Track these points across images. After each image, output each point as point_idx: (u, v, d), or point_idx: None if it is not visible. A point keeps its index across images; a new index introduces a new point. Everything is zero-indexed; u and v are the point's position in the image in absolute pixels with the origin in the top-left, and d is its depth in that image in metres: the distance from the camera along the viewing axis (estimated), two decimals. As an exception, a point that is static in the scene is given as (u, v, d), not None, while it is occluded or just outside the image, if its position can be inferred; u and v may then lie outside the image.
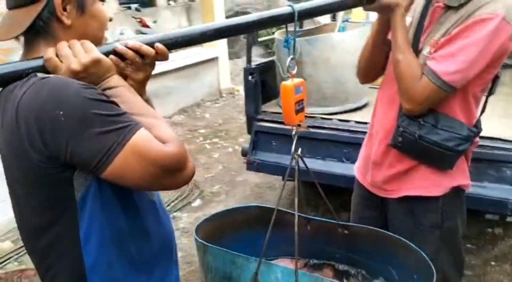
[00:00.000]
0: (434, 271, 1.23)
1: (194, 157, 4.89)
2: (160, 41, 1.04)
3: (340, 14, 3.63)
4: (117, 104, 0.94)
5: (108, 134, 0.88)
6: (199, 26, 1.15)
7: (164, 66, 6.14)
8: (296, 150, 1.42)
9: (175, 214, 3.72)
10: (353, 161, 2.04)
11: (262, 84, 3.19)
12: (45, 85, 0.89)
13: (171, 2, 16.88)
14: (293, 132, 1.38)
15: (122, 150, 0.88)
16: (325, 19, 4.85)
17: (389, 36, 1.59)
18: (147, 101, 1.11)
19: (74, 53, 0.94)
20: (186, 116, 6.35)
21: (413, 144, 1.51)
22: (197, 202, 3.93)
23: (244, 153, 3.32)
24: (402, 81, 1.49)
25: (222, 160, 4.79)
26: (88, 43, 0.96)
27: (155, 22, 9.62)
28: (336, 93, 3.07)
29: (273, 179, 4.10)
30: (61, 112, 0.86)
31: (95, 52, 0.95)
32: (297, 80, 1.31)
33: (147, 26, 8.43)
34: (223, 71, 7.18)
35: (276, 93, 3.35)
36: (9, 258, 3.01)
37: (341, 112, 3.11)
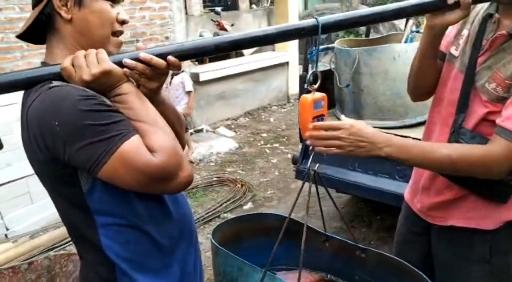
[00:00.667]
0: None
1: (252, 160, 4.94)
2: (173, 53, 1.06)
3: (409, 24, 3.46)
4: (118, 111, 0.99)
5: (98, 143, 0.94)
6: (214, 38, 1.15)
7: (234, 70, 6.28)
8: (312, 165, 1.37)
9: (225, 215, 3.78)
10: (406, 180, 1.94)
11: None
12: (48, 95, 0.97)
13: (253, 6, 17.25)
14: (310, 147, 1.33)
15: (110, 158, 0.94)
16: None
17: (441, 47, 1.47)
18: (164, 105, 1.16)
19: (87, 63, 0.99)
20: (251, 119, 6.42)
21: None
22: (249, 205, 3.96)
23: (294, 161, 3.29)
24: (475, 172, 1.32)
25: (279, 166, 4.78)
26: (102, 54, 1.01)
27: (232, 25, 9.86)
28: (394, 106, 2.93)
29: (326, 190, 4.01)
30: (57, 123, 0.94)
31: (106, 64, 1.00)
32: (318, 95, 1.27)
33: (225, 29, 8.66)
34: (293, 76, 7.16)
35: (332, 102, 3.28)
36: (65, 243, 3.24)
37: (398, 127, 2.96)
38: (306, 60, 3.18)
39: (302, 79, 3.14)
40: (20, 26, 1.12)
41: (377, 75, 2.88)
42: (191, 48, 1.10)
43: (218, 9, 10.64)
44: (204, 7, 13.66)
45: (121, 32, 1.11)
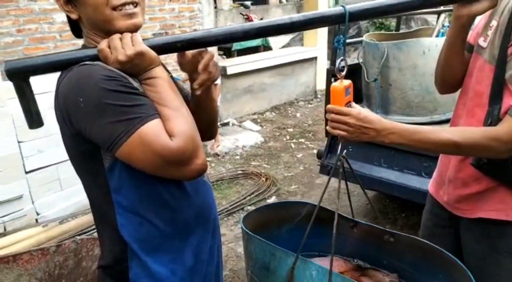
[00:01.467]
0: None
1: (277, 155, 4.94)
2: (201, 38, 1.11)
3: (441, 18, 3.38)
4: (143, 95, 1.03)
5: (118, 123, 0.97)
6: (241, 24, 1.15)
7: (262, 63, 6.28)
8: (342, 152, 1.38)
9: (249, 207, 3.79)
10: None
11: (345, 87, 3.10)
12: (76, 73, 1.02)
13: (283, 1, 17.14)
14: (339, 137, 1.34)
15: (129, 138, 0.97)
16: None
17: (469, 39, 1.44)
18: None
19: (123, 45, 1.03)
20: (277, 113, 6.42)
21: (500, 167, 1.37)
22: (272, 199, 3.97)
23: (319, 156, 3.27)
24: (479, 151, 1.35)
25: (304, 161, 4.77)
26: (136, 37, 1.04)
27: (261, 19, 9.84)
28: (423, 102, 2.87)
29: (352, 185, 3.98)
30: (81, 99, 0.98)
31: (141, 46, 1.03)
32: (346, 82, 1.27)
33: (253, 23, 8.63)
34: (321, 71, 7.10)
35: (360, 97, 3.24)
36: (93, 229, 3.33)
37: (427, 123, 2.90)
38: (333, 54, 3.15)
39: (329, 72, 3.11)
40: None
41: (406, 70, 2.83)
42: (219, 34, 1.11)
43: (248, 3, 10.67)
44: (234, 1, 13.72)
45: (126, 3, 1.06)
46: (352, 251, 1.64)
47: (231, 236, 3.40)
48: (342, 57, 1.27)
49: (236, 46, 7.01)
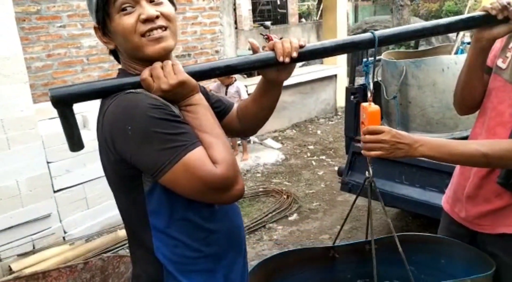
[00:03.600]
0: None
1: (298, 172, 4.96)
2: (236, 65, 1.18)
3: (460, 35, 3.39)
4: (185, 123, 1.06)
5: (164, 151, 1.01)
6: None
7: (282, 82, 6.34)
8: (371, 173, 1.42)
9: (270, 225, 3.81)
10: (455, 193, 1.93)
11: (364, 105, 3.13)
12: (122, 101, 1.05)
13: (303, 20, 17.29)
14: (369, 159, 1.40)
15: (174, 166, 1.01)
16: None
17: (488, 62, 1.48)
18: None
19: (165, 74, 1.07)
20: (298, 131, 6.45)
21: None
22: (294, 216, 3.98)
23: (340, 173, 3.29)
24: (507, 163, 1.37)
25: (325, 178, 4.77)
26: (178, 66, 1.09)
27: (281, 38, 9.95)
28: (444, 119, 2.88)
29: (374, 203, 3.96)
30: (129, 127, 1.01)
31: (183, 75, 1.08)
32: (373, 104, 1.31)
33: (273, 42, 8.75)
34: (341, 89, 7.14)
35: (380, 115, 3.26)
36: (118, 247, 3.40)
37: (448, 140, 2.90)
38: (352, 72, 3.19)
39: (349, 91, 3.15)
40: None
41: (425, 87, 2.85)
42: (255, 60, 1.17)
43: (268, 23, 10.82)
44: (254, 21, 13.95)
45: (153, 28, 1.07)
46: (349, 275, 1.63)
47: (253, 253, 3.41)
48: (370, 81, 1.32)
49: (257, 65, 7.11)
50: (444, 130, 2.92)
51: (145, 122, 1.00)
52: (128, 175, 1.08)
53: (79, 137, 1.14)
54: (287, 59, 1.15)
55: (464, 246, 1.37)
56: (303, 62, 8.04)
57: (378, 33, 1.24)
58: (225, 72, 1.20)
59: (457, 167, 1.70)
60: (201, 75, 1.15)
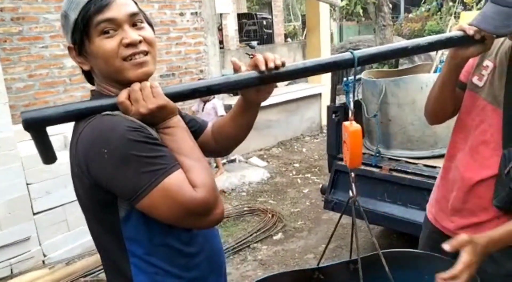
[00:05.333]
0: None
1: (283, 190, 4.95)
2: (215, 85, 1.15)
3: (439, 54, 3.46)
4: (163, 145, 1.04)
5: (143, 175, 0.98)
6: (255, 72, 1.16)
7: (267, 101, 6.33)
8: (355, 192, 1.41)
9: (255, 245, 3.78)
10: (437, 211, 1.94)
11: (346, 123, 3.15)
12: (99, 124, 1.03)
13: (289, 39, 17.50)
14: (353, 175, 1.37)
15: (152, 190, 0.98)
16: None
17: (460, 77, 1.51)
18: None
19: (144, 97, 1.05)
20: (283, 149, 6.46)
21: None
22: (279, 236, 3.95)
23: (323, 191, 3.29)
24: None
25: (310, 196, 4.76)
26: (157, 90, 1.06)
27: (266, 57, 10.04)
28: (424, 136, 2.90)
29: (359, 221, 3.96)
30: (106, 150, 0.98)
31: (162, 98, 1.06)
32: (355, 123, 1.31)
33: (258, 62, 8.82)
34: (326, 107, 7.20)
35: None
36: (98, 270, 3.33)
37: (428, 157, 2.93)
38: (333, 91, 3.22)
39: (330, 109, 3.17)
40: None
41: (405, 105, 2.88)
42: (236, 81, 1.15)
43: (254, 43, 10.91)
44: (241, 41, 14.07)
45: (135, 53, 1.06)
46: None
47: (237, 275, 3.37)
48: (350, 100, 1.33)
49: (242, 84, 7.14)
50: (424, 148, 2.95)
51: (123, 145, 0.98)
52: (103, 200, 1.05)
53: (52, 152, 1.12)
54: (271, 64, 1.11)
55: (448, 261, 1.37)
56: (289, 81, 8.11)
57: (358, 52, 1.24)
58: (206, 93, 1.18)
59: (438, 179, 1.73)
60: (181, 96, 1.13)
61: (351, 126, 1.29)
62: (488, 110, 1.45)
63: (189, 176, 1.02)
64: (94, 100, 1.09)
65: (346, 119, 1.37)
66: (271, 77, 1.16)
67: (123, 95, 1.05)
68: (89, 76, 1.18)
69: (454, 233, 1.57)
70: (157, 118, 1.07)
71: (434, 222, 1.68)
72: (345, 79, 3.10)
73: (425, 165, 2.86)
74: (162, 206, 0.99)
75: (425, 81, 2.87)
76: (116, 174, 0.99)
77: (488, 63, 1.48)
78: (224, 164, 5.49)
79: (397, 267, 1.51)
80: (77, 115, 1.07)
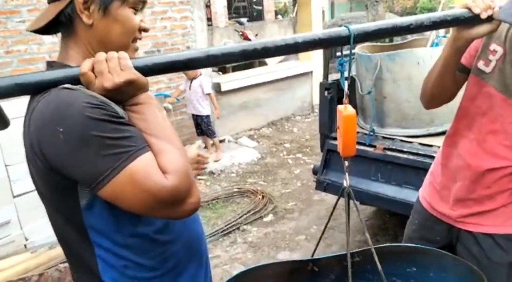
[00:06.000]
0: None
1: (274, 171, 4.84)
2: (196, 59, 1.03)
3: (435, 29, 3.32)
4: (131, 125, 0.92)
5: (105, 158, 0.86)
6: (239, 45, 1.05)
7: (257, 79, 6.23)
8: (348, 183, 1.30)
9: (245, 227, 3.68)
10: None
11: (339, 101, 3.02)
12: (55, 99, 0.89)
13: (279, 17, 17.26)
14: (346, 164, 1.27)
15: (116, 176, 0.86)
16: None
17: (462, 60, 1.41)
18: None
19: (110, 70, 0.91)
20: (274, 129, 6.34)
21: None
22: (269, 217, 3.85)
23: (315, 171, 3.18)
24: None
25: (302, 177, 4.66)
26: (126, 61, 0.93)
27: (256, 35, 9.87)
28: (419, 114, 2.79)
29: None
30: (61, 129, 0.85)
31: (131, 72, 0.93)
32: (350, 107, 1.19)
33: (248, 39, 8.67)
34: (317, 85, 7.03)
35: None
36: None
37: (424, 136, 2.82)
38: (326, 67, 3.08)
39: (323, 86, 3.04)
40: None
41: (401, 81, 2.76)
42: (217, 54, 1.02)
43: (243, 20, 10.69)
44: (230, 18, 13.77)
45: (140, 39, 1.06)
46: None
47: (226, 257, 3.28)
48: (346, 82, 1.20)
49: (231, 62, 6.96)
50: (420, 126, 2.84)
51: (82, 124, 0.85)
52: (61, 186, 0.92)
53: (4, 121, 0.98)
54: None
55: (454, 258, 1.29)
56: (280, 59, 7.93)
57: (355, 28, 1.10)
58: (184, 67, 1.04)
59: (437, 165, 1.65)
60: (154, 70, 1.00)
61: (345, 110, 1.18)
62: (497, 99, 1.37)
63: (160, 160, 0.89)
64: (51, 71, 0.95)
65: (340, 99, 1.25)
66: (258, 53, 1.04)
67: (85, 66, 0.92)
68: (56, 26, 1.00)
69: (457, 221, 1.54)
70: (124, 94, 0.94)
71: (430, 209, 1.63)
72: (338, 55, 2.95)
73: (420, 144, 2.76)
74: (127, 194, 0.87)
75: (421, 56, 2.73)
76: (73, 157, 0.86)
77: (496, 47, 1.38)
78: (212, 144, 5.36)
79: (399, 262, 1.45)
80: (30, 89, 0.93)
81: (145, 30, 1.05)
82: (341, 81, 1.29)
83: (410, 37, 3.59)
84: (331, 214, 1.44)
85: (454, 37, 1.31)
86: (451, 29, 1.37)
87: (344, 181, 1.28)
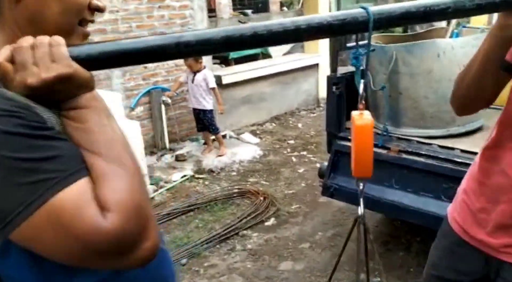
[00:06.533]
0: None
1: (277, 170, 4.56)
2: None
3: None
4: (62, 138, 0.65)
5: (17, 189, 0.60)
6: (226, 29, 0.77)
7: (260, 72, 5.93)
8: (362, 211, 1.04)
9: (244, 232, 3.41)
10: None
11: (348, 97, 2.73)
12: None
13: (284, 8, 16.98)
14: (360, 187, 1.06)
15: (33, 214, 0.60)
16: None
17: (508, 57, 1.13)
18: None
19: (36, 60, 0.65)
20: (277, 124, 6.05)
21: None
22: (271, 221, 3.58)
23: (321, 174, 2.89)
24: None
25: (306, 176, 4.38)
26: (59, 48, 0.66)
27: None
28: (439, 112, 2.50)
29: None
30: None
31: (65, 65, 0.66)
32: (367, 113, 0.91)
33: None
34: (323, 79, 6.72)
35: (366, 108, 2.86)
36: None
37: (444, 137, 2.53)
38: (334, 58, 2.79)
39: (330, 80, 2.75)
40: None
41: (419, 76, 2.46)
42: (195, 42, 0.75)
43: (248, 11, 10.36)
44: (234, 9, 13.45)
45: (91, 21, 0.80)
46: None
47: (223, 266, 3.01)
48: (362, 80, 0.92)
49: (233, 54, 6.67)
50: (439, 126, 2.55)
51: None
52: None
53: None
54: None
55: None
56: (284, 51, 7.62)
57: (375, 10, 0.82)
58: (156, 57, 0.77)
59: (471, 182, 1.36)
60: (107, 61, 0.72)
61: (360, 118, 0.91)
62: None
63: (100, 190, 0.62)
64: None
65: (350, 97, 0.97)
66: (246, 40, 0.76)
67: (3, 54, 0.65)
68: None
69: (499, 252, 1.27)
70: (57, 94, 0.67)
71: (462, 234, 1.36)
72: (349, 47, 2.65)
73: (440, 146, 2.47)
74: (48, 240, 0.61)
75: (443, 48, 2.44)
76: None
77: None
78: (213, 140, 5.08)
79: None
80: None
81: (99, 9, 0.80)
82: (355, 80, 1.01)
83: (425, 28, 3.28)
84: (342, 251, 1.16)
85: (500, 26, 1.05)
86: (494, 16, 1.09)
87: (359, 208, 1.01)
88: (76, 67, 0.67)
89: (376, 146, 2.57)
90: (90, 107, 0.69)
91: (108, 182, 0.64)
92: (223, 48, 0.77)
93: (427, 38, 2.81)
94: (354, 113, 0.91)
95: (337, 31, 0.85)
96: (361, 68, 1.03)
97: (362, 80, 0.91)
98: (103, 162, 0.65)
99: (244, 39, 0.76)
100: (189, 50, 0.75)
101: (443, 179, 2.33)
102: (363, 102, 0.91)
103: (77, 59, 0.68)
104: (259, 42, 0.78)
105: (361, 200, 1.01)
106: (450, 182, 2.28)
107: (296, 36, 0.80)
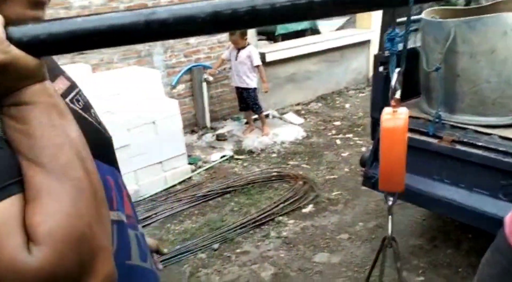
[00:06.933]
0: None
1: (319, 153, 4.34)
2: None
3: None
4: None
5: None
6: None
7: (306, 49, 5.66)
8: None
9: (280, 218, 3.26)
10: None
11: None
12: None
13: None
14: (390, 203, 0.99)
15: None
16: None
17: None
18: None
19: None
20: (324, 104, 5.78)
21: None
22: (309, 208, 3.40)
23: (362, 163, 2.66)
24: None
25: (350, 161, 4.13)
26: None
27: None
28: (502, 98, 2.18)
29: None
30: None
31: (5, 51, 0.51)
32: (403, 112, 0.72)
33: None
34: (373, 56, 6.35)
35: (416, 91, 2.58)
36: None
37: (506, 126, 2.22)
38: (382, 37, 2.50)
39: (377, 59, 2.48)
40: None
41: (480, 56, 2.15)
42: (172, 20, 0.57)
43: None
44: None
45: (43, 3, 0.61)
46: None
47: (256, 254, 2.88)
48: (398, 68, 0.73)
49: (280, 29, 6.40)
50: (502, 113, 2.23)
51: None
52: None
53: None
54: None
55: None
56: (339, 25, 7.23)
57: None
58: (116, 41, 0.58)
59: None
60: (60, 45, 0.56)
61: (391, 117, 0.71)
62: None
63: (31, 214, 0.48)
64: None
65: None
66: (239, 18, 0.58)
67: None
68: None
69: None
70: None
71: None
72: (400, 20, 2.36)
73: (501, 137, 2.16)
74: None
75: (510, 24, 2.10)
76: None
77: None
78: (255, 119, 4.92)
79: None
80: None
81: (42, 2, 0.61)
82: (390, 69, 0.80)
83: (484, 2, 2.89)
84: (373, 264, 0.97)
85: None
86: None
87: (388, 228, 0.82)
88: (15, 53, 0.52)
89: (426, 134, 2.30)
90: (36, 103, 0.53)
91: (43, 204, 0.48)
92: (209, 28, 0.59)
93: (493, 12, 2.46)
94: (386, 111, 0.71)
95: (365, 5, 0.64)
96: (396, 52, 0.81)
97: (397, 70, 0.70)
98: (43, 175, 0.50)
99: (238, 16, 0.57)
100: (165, 31, 0.57)
101: (502, 174, 2.04)
102: (397, 97, 0.69)
103: (20, 43, 0.53)
104: (259, 20, 0.59)
105: (390, 218, 0.81)
106: (511, 178, 2.00)
107: (308, 12, 0.60)
